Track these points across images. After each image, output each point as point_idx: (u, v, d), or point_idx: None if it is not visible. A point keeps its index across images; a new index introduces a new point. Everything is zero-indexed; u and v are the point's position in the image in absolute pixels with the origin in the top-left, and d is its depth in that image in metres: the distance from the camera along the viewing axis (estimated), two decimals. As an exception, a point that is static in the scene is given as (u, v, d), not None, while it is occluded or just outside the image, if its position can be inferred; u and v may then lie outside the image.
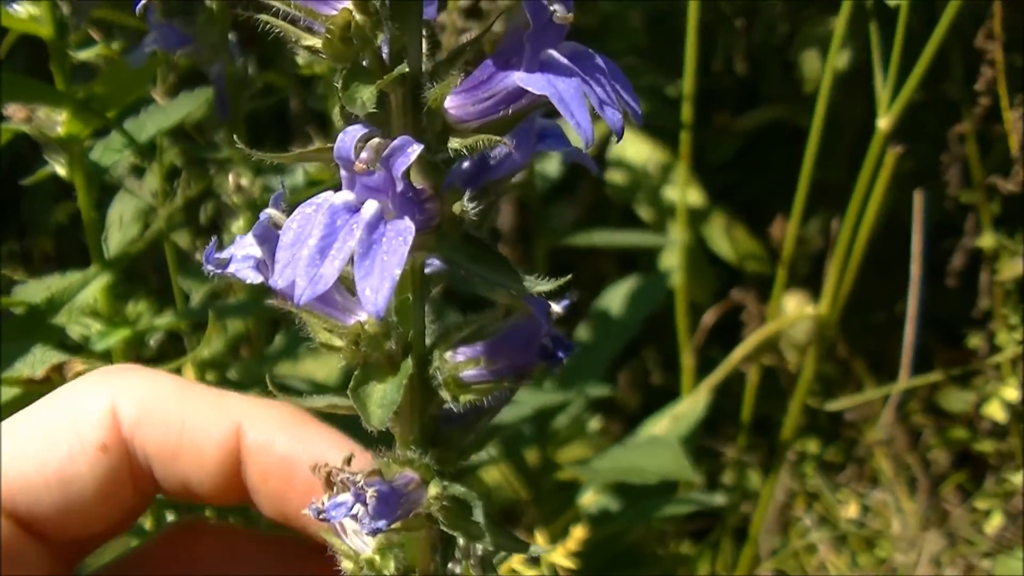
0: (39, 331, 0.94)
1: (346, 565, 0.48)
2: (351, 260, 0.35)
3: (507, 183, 0.44)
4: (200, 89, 1.10)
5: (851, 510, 1.99)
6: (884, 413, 1.89)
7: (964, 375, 2.11)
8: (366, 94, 0.36)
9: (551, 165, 1.03)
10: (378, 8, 0.37)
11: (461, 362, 0.44)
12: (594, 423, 1.09)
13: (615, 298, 1.16)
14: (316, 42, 0.38)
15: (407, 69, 0.36)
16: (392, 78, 0.36)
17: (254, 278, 0.46)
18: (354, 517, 0.44)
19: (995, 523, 1.89)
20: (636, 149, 1.78)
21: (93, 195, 1.08)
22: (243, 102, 1.06)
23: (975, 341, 2.00)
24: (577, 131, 0.36)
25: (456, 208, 0.39)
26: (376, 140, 0.37)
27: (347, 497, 0.43)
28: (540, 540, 1.09)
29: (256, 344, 1.26)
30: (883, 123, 1.01)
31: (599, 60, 0.40)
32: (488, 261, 0.39)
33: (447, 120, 0.38)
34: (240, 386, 0.99)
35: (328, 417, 0.50)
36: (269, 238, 0.44)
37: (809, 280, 2.01)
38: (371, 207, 0.36)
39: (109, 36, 1.14)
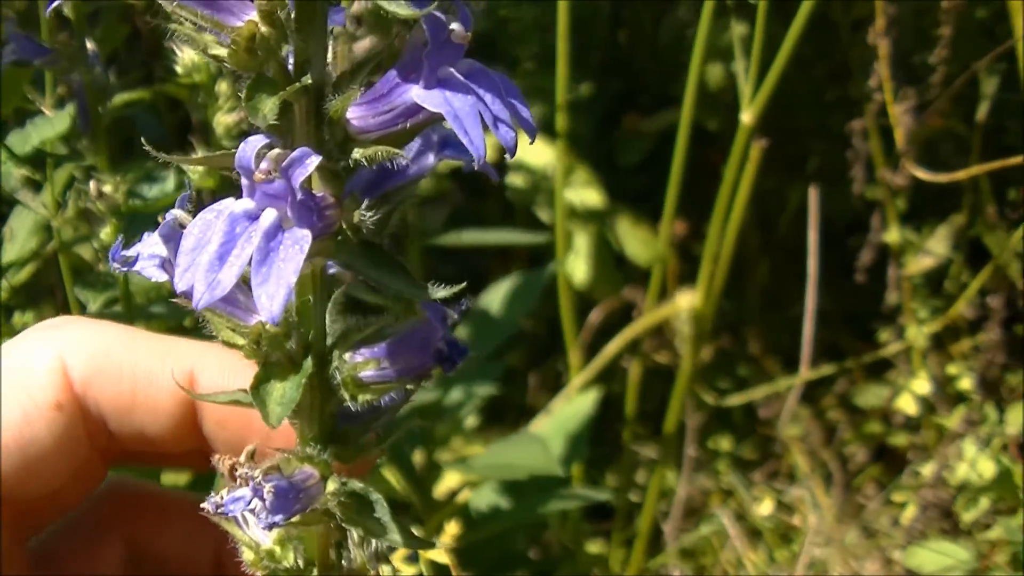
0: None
1: (247, 555, 0.49)
2: (250, 265, 0.37)
3: (408, 192, 0.45)
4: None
5: (766, 506, 2.01)
6: (786, 407, 1.90)
7: (875, 369, 2.14)
8: (268, 105, 0.37)
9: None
10: (284, 20, 0.37)
11: (360, 363, 0.45)
12: (471, 420, 1.10)
13: (495, 297, 1.17)
14: (222, 52, 0.38)
15: (310, 81, 0.37)
16: (295, 89, 0.37)
17: (159, 276, 0.47)
18: (252, 511, 0.44)
19: (909, 515, 1.91)
20: (537, 153, 1.79)
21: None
22: (105, 111, 1.05)
23: (885, 335, 2.03)
24: (470, 148, 0.37)
25: (355, 216, 0.40)
26: (276, 151, 0.38)
27: (245, 492, 0.44)
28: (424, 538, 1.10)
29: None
30: (746, 117, 1.02)
31: (495, 78, 0.41)
32: (386, 267, 0.40)
33: (348, 131, 0.39)
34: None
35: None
36: (173, 238, 0.45)
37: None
38: (269, 216, 0.37)
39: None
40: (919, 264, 1.90)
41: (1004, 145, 2.45)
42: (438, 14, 0.40)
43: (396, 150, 0.39)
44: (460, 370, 1.22)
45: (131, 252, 0.48)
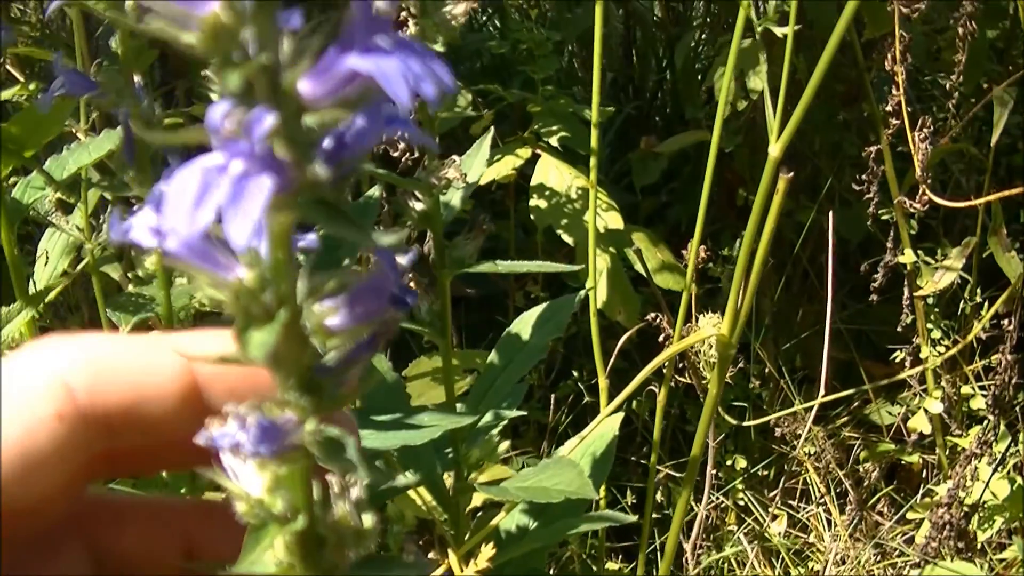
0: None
1: (240, 506, 0.53)
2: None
3: (360, 159, 0.50)
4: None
5: (781, 523, 2.03)
6: (805, 427, 1.93)
7: (890, 389, 2.16)
8: (233, 80, 0.43)
9: (455, 197, 1.06)
10: (242, 9, 0.43)
11: (326, 310, 0.50)
12: (503, 447, 1.11)
13: (526, 323, 1.19)
14: (191, 39, 0.44)
15: (265, 60, 0.43)
16: (253, 67, 0.43)
17: (151, 242, 0.51)
18: (237, 446, 0.49)
19: (923, 533, 1.93)
20: (558, 176, 1.82)
21: (14, 233, 1.10)
22: (151, 144, 1.07)
23: (901, 355, 2.05)
24: (396, 99, 0.43)
25: (312, 176, 0.45)
26: (238, 111, 0.44)
27: (232, 426, 0.49)
28: (455, 560, 1.12)
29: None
30: (774, 150, 1.05)
31: (416, 47, 0.47)
32: (340, 221, 0.46)
33: (300, 102, 0.45)
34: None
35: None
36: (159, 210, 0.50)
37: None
38: (236, 166, 0.43)
39: (29, 74, 1.16)
40: (933, 285, 1.92)
41: (1015, 164, 2.48)
42: None
43: (340, 113, 0.45)
44: (490, 394, 1.25)
45: (126, 225, 0.53)
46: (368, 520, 0.53)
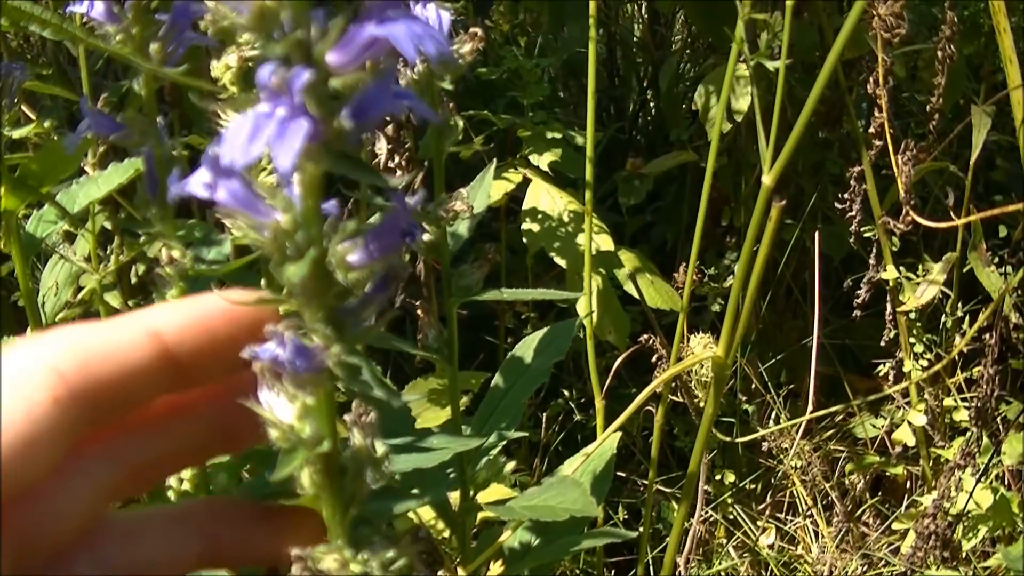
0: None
1: (272, 433, 0.60)
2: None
3: (375, 123, 0.58)
4: (129, 161, 1.16)
5: (770, 536, 2.07)
6: (793, 442, 1.96)
7: (874, 402, 2.21)
8: (276, 50, 0.52)
9: (461, 226, 1.09)
10: None
11: (348, 247, 0.58)
12: (509, 467, 1.15)
13: (528, 347, 1.23)
14: (241, 20, 0.53)
15: (300, 36, 0.52)
16: (291, 40, 0.51)
17: (205, 194, 0.59)
18: (276, 359, 0.56)
19: (909, 544, 1.96)
20: (550, 200, 1.85)
21: (28, 264, 1.13)
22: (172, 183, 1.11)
23: (885, 370, 2.09)
24: (405, 55, 0.52)
25: (337, 128, 0.53)
26: (282, 70, 0.53)
27: (271, 344, 0.56)
28: (463, 578, 1.15)
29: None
30: (767, 179, 1.09)
31: (422, 20, 0.56)
32: (360, 169, 0.54)
33: (328, 68, 0.53)
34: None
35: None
36: (213, 164, 0.57)
37: (722, 316, 2.09)
38: (281, 112, 0.53)
39: (36, 108, 1.19)
40: (915, 300, 1.97)
41: (993, 181, 2.53)
42: None
43: (360, 76, 0.53)
44: (495, 416, 1.28)
45: (184, 182, 0.60)
46: (380, 448, 0.60)
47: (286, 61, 0.55)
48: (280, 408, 0.60)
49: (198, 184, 0.61)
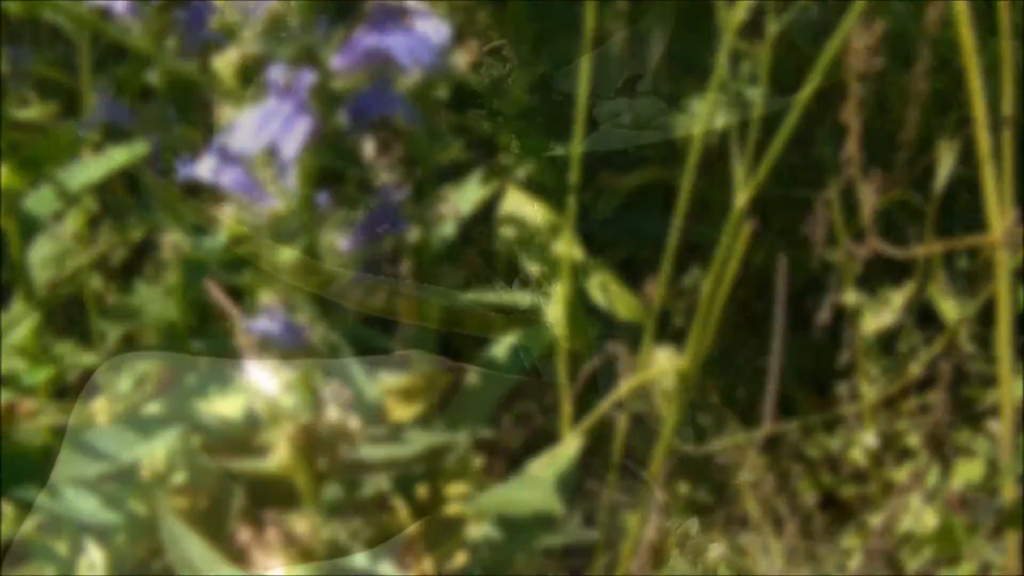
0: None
1: (259, 405, 0.65)
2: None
3: (369, 123, 0.63)
4: (129, 145, 1.20)
5: (718, 548, 2.11)
6: (747, 458, 2.01)
7: (828, 422, 2.25)
8: (285, 51, 0.56)
9: (447, 228, 1.14)
10: (291, 6, 0.56)
11: (336, 235, 0.63)
12: (476, 462, 1.20)
13: (501, 349, 1.27)
14: (256, 24, 0.58)
15: (306, 41, 0.57)
16: (299, 44, 0.57)
17: (212, 178, 0.64)
18: (267, 333, 0.62)
19: (856, 562, 2.01)
20: (528, 208, 1.89)
21: (23, 241, 1.17)
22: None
23: (841, 391, 2.14)
24: (401, 61, 0.57)
25: (335, 125, 0.58)
26: (289, 71, 0.58)
27: (264, 319, 0.63)
28: (428, 568, 1.19)
29: (169, 381, 1.34)
30: (739, 200, 1.14)
31: (416, 32, 0.60)
32: (353, 164, 0.60)
33: (331, 71, 0.58)
34: (159, 421, 1.07)
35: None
36: (219, 153, 0.61)
37: (684, 330, 2.13)
38: (287, 108, 0.58)
39: (43, 94, 1.22)
40: (874, 324, 2.01)
41: (954, 211, 2.58)
42: None
43: (359, 79, 0.59)
44: (462, 415, 1.32)
45: (192, 166, 0.65)
46: (354, 423, 0.65)
47: (292, 64, 0.60)
48: (265, 381, 0.65)
49: (205, 169, 0.66)
